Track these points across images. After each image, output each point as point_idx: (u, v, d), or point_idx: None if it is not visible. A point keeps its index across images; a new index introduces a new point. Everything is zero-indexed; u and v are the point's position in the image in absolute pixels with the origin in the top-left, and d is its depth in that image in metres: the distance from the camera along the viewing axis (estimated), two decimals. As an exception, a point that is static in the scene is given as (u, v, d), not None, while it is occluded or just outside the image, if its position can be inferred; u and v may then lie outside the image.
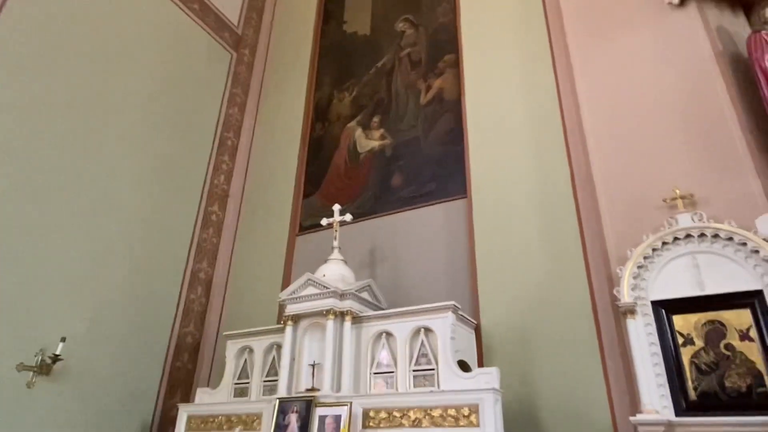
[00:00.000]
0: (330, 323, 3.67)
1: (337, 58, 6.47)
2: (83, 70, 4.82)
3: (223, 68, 6.60)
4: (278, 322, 4.93)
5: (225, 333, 4.47)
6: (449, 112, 5.13)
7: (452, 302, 3.50)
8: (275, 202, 5.85)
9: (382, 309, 4.05)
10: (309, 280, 3.88)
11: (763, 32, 3.50)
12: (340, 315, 3.73)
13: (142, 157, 5.22)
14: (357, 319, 3.76)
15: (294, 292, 3.92)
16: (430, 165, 4.96)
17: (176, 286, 5.26)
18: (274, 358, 4.12)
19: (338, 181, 5.57)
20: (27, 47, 4.40)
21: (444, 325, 3.45)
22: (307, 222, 5.54)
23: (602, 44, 4.25)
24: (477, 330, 3.90)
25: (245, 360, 4.28)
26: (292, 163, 5.95)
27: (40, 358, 3.87)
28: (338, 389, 3.52)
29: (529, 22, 4.95)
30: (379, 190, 5.16)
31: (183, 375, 5.04)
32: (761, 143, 3.33)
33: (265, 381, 4.06)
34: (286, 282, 5.24)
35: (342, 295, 3.78)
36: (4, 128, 4.09)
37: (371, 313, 3.79)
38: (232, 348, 4.35)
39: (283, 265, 5.35)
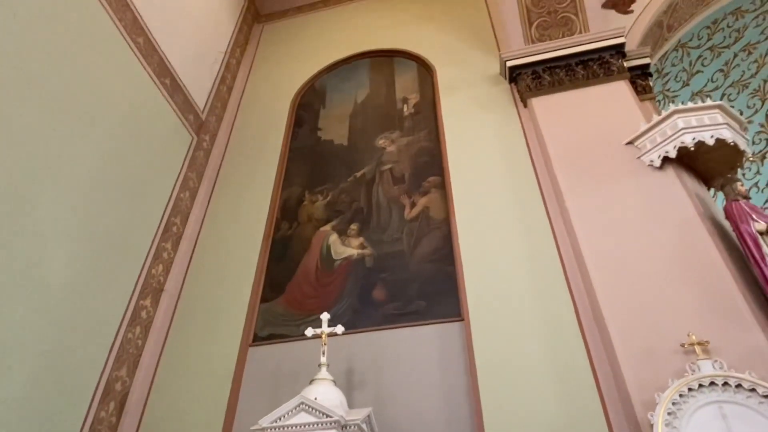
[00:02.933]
0: (331, 463, 2.95)
1: (310, 161, 6.28)
2: (28, 117, 4.01)
3: (183, 149, 6.03)
4: (222, 457, 3.99)
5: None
6: (437, 230, 5.04)
7: (480, 442, 3.04)
8: (223, 304, 5.04)
9: (378, 446, 3.41)
10: (303, 403, 3.18)
11: (741, 201, 4.00)
12: (342, 452, 3.03)
13: (76, 231, 4.28)
14: (361, 459, 3.08)
15: (281, 418, 3.16)
16: (418, 282, 4.69)
17: (86, 398, 4.05)
18: (233, 508, 3.16)
19: (307, 287, 5.01)
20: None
21: (473, 472, 2.93)
22: (264, 331, 4.79)
23: (592, 189, 4.56)
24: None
25: None
26: (250, 262, 5.29)
27: None
28: None
29: (515, 158, 5.27)
30: (358, 303, 4.70)
31: None
32: (760, 300, 3.61)
33: None
34: (232, 402, 4.32)
35: (345, 427, 3.12)
36: None
37: (380, 451, 3.15)
38: (168, 492, 3.30)
39: (230, 382, 4.43)
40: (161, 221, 5.39)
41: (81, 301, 4.17)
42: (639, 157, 4.55)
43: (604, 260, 4.04)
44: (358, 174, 5.87)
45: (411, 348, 4.27)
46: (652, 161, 4.44)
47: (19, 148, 3.84)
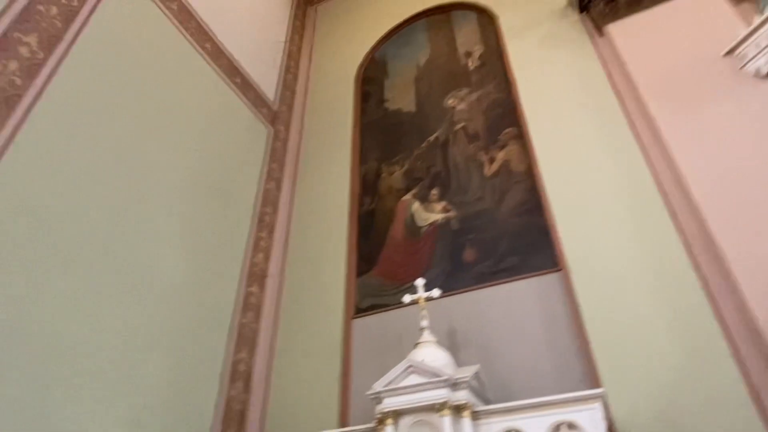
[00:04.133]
0: (446, 421, 3.03)
1: (382, 134, 6.30)
2: (128, 140, 4.38)
3: (261, 143, 6.32)
4: (341, 422, 4.25)
5: (292, 437, 3.71)
6: (520, 183, 4.89)
7: (599, 390, 2.97)
8: (323, 282, 5.29)
9: (490, 401, 3.45)
10: (411, 366, 3.29)
11: None
12: (456, 409, 3.10)
13: (183, 233, 4.67)
14: (475, 414, 3.14)
15: (392, 382, 3.29)
16: (507, 238, 4.60)
17: (215, 381, 4.48)
18: (361, 466, 3.38)
19: (397, 256, 5.11)
20: (75, 114, 3.97)
21: (594, 420, 2.88)
22: (364, 303, 4.97)
23: (690, 113, 4.16)
24: (609, 427, 3.30)
25: (320, 471, 3.49)
26: (341, 239, 5.48)
27: (70, 476, 3.02)
28: (467, 507, 2.82)
29: (595, 94, 4.93)
30: (449, 266, 4.72)
31: (222, 493, 4.12)
32: None
33: (352, 498, 3.28)
34: (345, 372, 4.56)
35: (455, 385, 3.18)
36: (42, 195, 3.53)
37: (493, 407, 3.18)
38: (301, 456, 3.59)
39: (339, 354, 4.68)
40: (254, 212, 5.72)
41: (196, 294, 4.57)
42: (741, 68, 4.06)
43: (713, 188, 3.70)
44: (431, 138, 5.81)
45: (510, 303, 4.23)
46: (758, 69, 3.95)
47: (125, 167, 4.23)
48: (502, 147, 5.25)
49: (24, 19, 3.72)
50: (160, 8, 5.15)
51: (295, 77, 7.57)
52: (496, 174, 5.09)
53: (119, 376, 3.63)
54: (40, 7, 3.87)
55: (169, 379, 4.02)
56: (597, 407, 2.90)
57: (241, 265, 5.26)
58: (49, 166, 3.61)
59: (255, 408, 4.67)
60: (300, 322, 5.14)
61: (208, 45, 5.77)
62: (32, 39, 3.75)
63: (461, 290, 4.48)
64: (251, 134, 6.19)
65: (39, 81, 3.70)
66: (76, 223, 3.68)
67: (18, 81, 3.56)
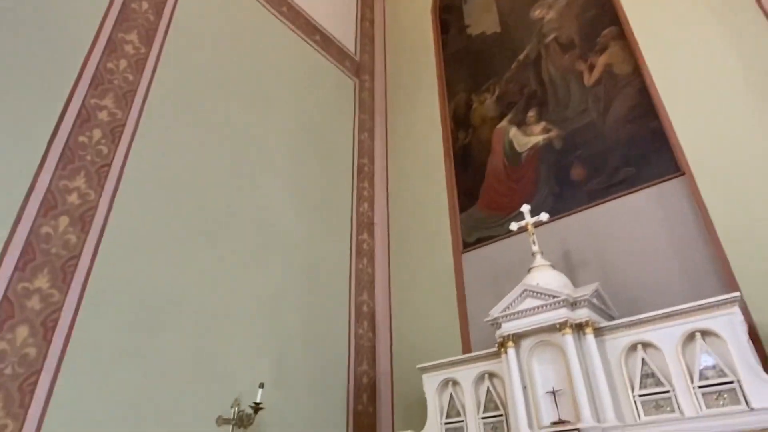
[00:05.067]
0: (568, 339, 3.01)
1: (467, 62, 6.05)
2: (234, 115, 4.70)
3: (349, 95, 6.41)
4: (464, 350, 4.40)
5: (420, 365, 3.94)
6: (627, 87, 4.44)
7: (737, 294, 2.73)
8: (428, 222, 5.38)
9: (615, 318, 3.34)
10: (526, 290, 3.28)
11: None
12: (577, 327, 3.06)
13: (294, 193, 4.99)
14: (599, 331, 3.07)
15: (509, 307, 3.32)
16: (619, 148, 4.26)
17: (344, 322, 4.86)
18: (489, 389, 3.51)
19: (500, 186, 5.00)
20: (185, 104, 4.32)
21: (733, 325, 2.67)
22: (471, 237, 4.98)
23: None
24: (750, 332, 3.04)
25: (450, 395, 3.69)
26: (440, 178, 5.48)
27: (237, 409, 3.53)
28: (600, 419, 2.82)
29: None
30: (557, 188, 4.52)
31: (366, 419, 4.55)
32: None
33: (484, 418, 3.44)
34: (461, 305, 4.68)
35: (574, 304, 3.13)
36: (176, 180, 3.97)
37: (618, 321, 3.09)
38: (430, 383, 3.82)
39: (454, 287, 4.79)
40: (353, 164, 5.92)
41: (314, 247, 4.92)
42: None
43: None
44: (521, 57, 5.45)
45: (629, 217, 3.97)
46: None
47: (235, 141, 4.58)
48: (602, 51, 4.77)
49: (123, 19, 4.09)
50: (234, -18, 5.34)
51: (372, 24, 7.46)
52: (598, 82, 4.68)
53: (262, 328, 4.09)
54: (134, 5, 4.21)
55: (304, 326, 4.44)
56: (735, 311, 2.67)
57: (349, 216, 5.52)
58: (174, 150, 4.03)
59: (382, 343, 5.02)
60: (412, 263, 5.32)
61: (284, 8, 5.88)
62: (133, 37, 4.13)
63: (573, 211, 4.29)
64: (339, 89, 6.31)
65: (147, 73, 4.09)
66: (206, 199, 4.11)
67: (130, 77, 3.97)
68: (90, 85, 3.68)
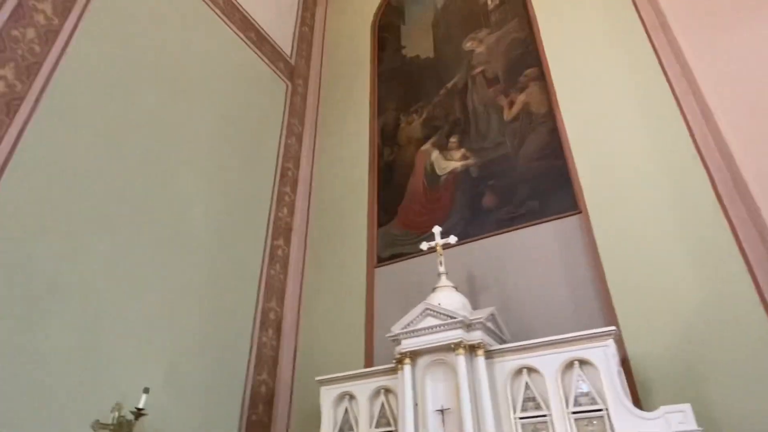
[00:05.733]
0: (460, 359, 3.14)
1: (400, 82, 6.20)
2: (151, 101, 4.48)
3: (280, 98, 6.33)
4: (367, 364, 4.43)
5: (318, 378, 3.92)
6: (541, 126, 4.76)
7: (612, 328, 2.99)
8: (346, 234, 5.41)
9: (507, 342, 3.52)
10: (427, 309, 3.38)
11: None
12: (470, 349, 3.20)
13: (209, 190, 4.83)
14: (489, 353, 3.23)
15: (410, 324, 3.40)
16: (527, 182, 4.54)
17: (248, 328, 4.73)
18: (383, 405, 3.56)
19: (417, 206, 5.14)
20: (98, 83, 4.07)
21: (606, 356, 2.91)
22: (386, 252, 5.07)
23: (717, 38, 3.90)
24: (623, 363, 3.33)
25: (346, 409, 3.70)
26: (362, 192, 5.55)
27: (117, 414, 3.31)
28: (481, 438, 2.95)
29: (618, 23, 4.67)
30: (469, 213, 4.72)
31: (259, 430, 4.43)
32: None
33: (376, 433, 3.48)
34: (368, 319, 4.73)
35: (469, 326, 3.27)
36: (77, 160, 3.70)
37: (507, 345, 3.26)
38: (327, 395, 3.81)
39: (363, 302, 4.84)
40: (276, 168, 5.83)
41: (226, 248, 4.77)
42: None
43: (743, 120, 3.51)
44: (449, 84, 5.68)
45: (529, 247, 4.22)
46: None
47: (152, 129, 4.36)
48: (523, 89, 5.09)
49: (36, -15, 3.78)
50: (169, -35, 5.12)
51: (311, 29, 7.45)
52: (516, 118, 4.97)
53: (159, 326, 3.89)
54: (51, -27, 3.91)
55: (204, 328, 4.28)
56: (609, 344, 2.92)
57: (266, 220, 5.41)
58: (78, 130, 3.76)
59: (286, 352, 4.94)
60: (325, 273, 5.31)
61: (220, 0, 5.72)
62: (47, 6, 3.83)
63: (480, 237, 4.50)
64: (270, 90, 6.21)
65: (57, 47, 3.80)
66: (109, 184, 3.86)
67: (37, 48, 3.67)
68: (-13, 50, 3.36)
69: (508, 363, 3.18)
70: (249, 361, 4.61)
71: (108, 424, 3.27)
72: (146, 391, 3.32)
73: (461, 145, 5.18)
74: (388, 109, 6.05)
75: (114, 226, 3.81)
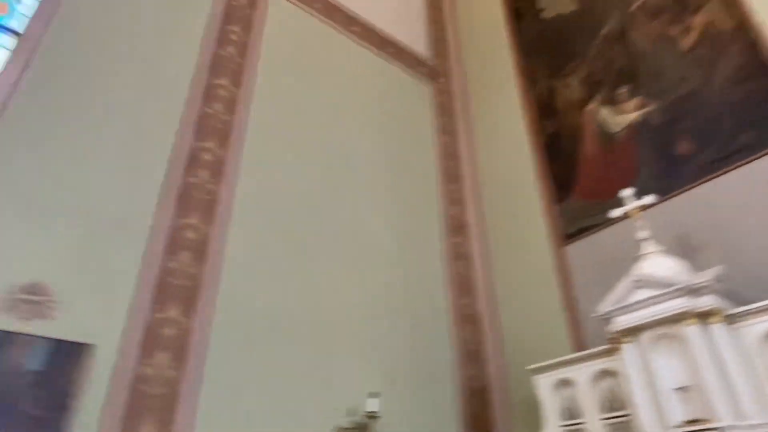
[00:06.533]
0: (692, 330, 2.76)
1: (545, 48, 5.81)
2: (318, 136, 4.93)
3: (427, 100, 6.44)
4: (577, 348, 4.19)
5: (530, 367, 3.83)
6: (732, 45, 3.99)
7: None
8: (523, 218, 5.23)
9: (746, 303, 2.99)
10: (637, 280, 3.06)
11: None
12: (702, 317, 2.80)
13: (382, 204, 5.12)
14: (729, 318, 2.78)
15: (621, 300, 3.12)
16: (731, 113, 3.83)
17: (446, 327, 4.87)
18: (608, 388, 3.31)
19: (596, 172, 4.73)
20: (274, 128, 4.63)
21: None
22: (571, 228, 4.75)
23: None
24: None
25: (567, 396, 3.54)
26: (530, 172, 5.32)
27: (353, 419, 3.68)
28: (740, 416, 2.54)
29: None
30: (661, 165, 4.17)
31: (480, 424, 4.50)
32: None
33: (607, 418, 3.25)
34: (568, 301, 4.47)
35: (694, 291, 2.86)
36: (268, 204, 4.26)
37: (751, 306, 2.78)
38: (543, 384, 3.69)
39: (556, 284, 4.60)
40: (439, 169, 5.92)
41: (407, 255, 5.00)
42: None
43: None
44: (604, 31, 5.12)
45: (751, 188, 3.55)
46: None
47: (324, 161, 4.82)
48: (697, 10, 4.34)
49: (215, 65, 4.47)
50: (308, 12, 5.62)
51: (442, 26, 7.43)
52: (696, 45, 4.26)
53: (367, 338, 4.24)
54: (222, 52, 4.59)
55: (406, 333, 4.52)
56: None
57: (439, 220, 5.52)
58: (269, 180, 4.34)
59: (490, 345, 4.94)
60: (511, 261, 5.21)
61: (355, 27, 6.08)
62: (225, 81, 4.50)
63: (683, 189, 3.93)
64: (416, 95, 6.36)
65: (240, 111, 4.44)
66: (302, 217, 4.38)
67: (226, 117, 4.33)
68: (195, 129, 4.07)
69: (757, 326, 2.70)
70: (454, 358, 4.73)
71: (348, 429, 3.65)
72: (374, 395, 3.62)
73: (633, 94, 4.61)
74: (539, 80, 5.71)
75: (313, 255, 4.28)
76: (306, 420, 3.56)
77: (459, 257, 5.36)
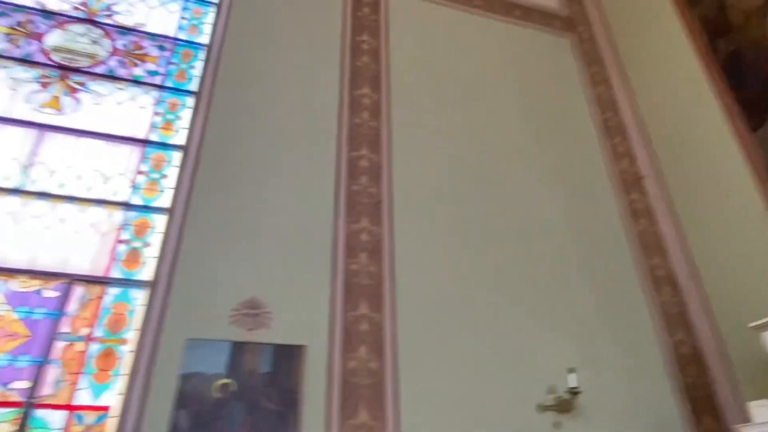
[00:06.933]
0: None
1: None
2: (466, 121, 4.91)
3: (570, 54, 5.98)
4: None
5: (753, 324, 3.33)
6: None
7: None
8: (708, 161, 4.56)
9: None
10: None
11: None
12: None
13: (545, 174, 4.86)
14: None
15: None
16: None
17: (639, 291, 4.47)
18: None
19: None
20: (419, 128, 4.71)
21: None
22: (779, 159, 4.00)
23: None
24: None
25: (810, 353, 3.00)
26: (707, 103, 4.60)
27: (554, 396, 3.60)
28: None
29: None
30: None
31: (699, 392, 4.04)
32: None
33: None
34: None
35: None
36: (426, 185, 4.37)
37: None
38: (775, 341, 3.17)
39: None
40: (597, 124, 5.45)
41: (581, 219, 4.69)
42: None
43: None
44: None
45: None
46: None
47: (478, 143, 4.80)
48: None
49: (354, 75, 4.75)
50: (428, 0, 5.64)
51: (568, -32, 6.82)
52: None
53: (554, 311, 4.11)
54: (358, 63, 4.85)
55: (598, 303, 4.27)
56: None
57: (609, 178, 5.10)
58: (425, 176, 4.46)
59: (693, 307, 4.42)
60: (701, 214, 4.57)
61: (477, 1, 5.90)
62: (366, 90, 4.73)
63: None
64: (557, 51, 5.95)
65: (384, 115, 4.64)
66: (468, 203, 4.43)
67: (373, 123, 4.56)
68: (348, 139, 4.38)
69: None
70: (654, 323, 4.32)
71: (550, 406, 3.58)
72: (572, 371, 3.50)
73: (839, -23, 3.71)
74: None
75: (491, 239, 4.30)
76: (506, 400, 3.58)
77: (638, 215, 4.88)
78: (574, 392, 3.46)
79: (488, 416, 3.49)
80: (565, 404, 3.52)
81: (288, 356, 3.36)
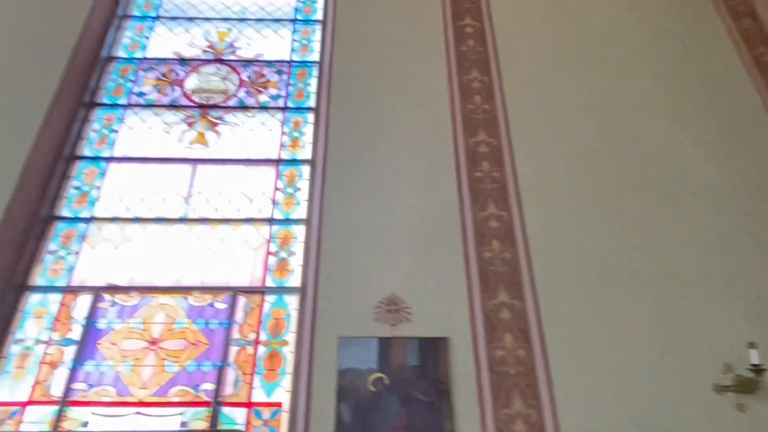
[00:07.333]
0: None
1: None
2: (582, 84, 4.61)
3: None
4: None
5: None
6: None
7: None
8: None
9: None
10: None
11: None
12: None
13: (692, 131, 4.36)
14: None
15: None
16: None
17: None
18: None
19: None
20: (535, 94, 4.54)
21: None
22: None
23: None
24: None
25: None
26: None
27: (733, 374, 3.20)
28: None
29: None
30: None
31: None
32: None
33: None
34: None
35: None
36: (552, 162, 4.16)
37: None
38: None
39: None
40: (751, 66, 4.73)
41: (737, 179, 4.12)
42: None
43: None
44: None
45: None
46: None
47: (612, 109, 4.47)
48: None
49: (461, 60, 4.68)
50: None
51: None
52: None
53: (720, 279, 3.66)
54: (463, 48, 4.77)
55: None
56: None
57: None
58: (547, 139, 4.26)
59: None
60: None
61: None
62: (475, 73, 4.65)
63: None
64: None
65: (497, 98, 4.50)
66: (597, 167, 4.15)
67: (486, 106, 4.45)
68: (463, 129, 4.33)
69: None
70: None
71: (728, 386, 3.19)
72: (753, 346, 3.08)
73: None
74: None
75: (623, 204, 3.97)
76: (675, 382, 3.26)
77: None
78: (758, 369, 3.04)
79: (656, 400, 3.21)
80: (747, 384, 3.11)
81: (433, 349, 3.41)
